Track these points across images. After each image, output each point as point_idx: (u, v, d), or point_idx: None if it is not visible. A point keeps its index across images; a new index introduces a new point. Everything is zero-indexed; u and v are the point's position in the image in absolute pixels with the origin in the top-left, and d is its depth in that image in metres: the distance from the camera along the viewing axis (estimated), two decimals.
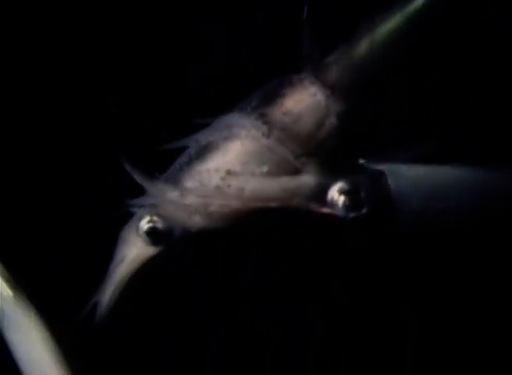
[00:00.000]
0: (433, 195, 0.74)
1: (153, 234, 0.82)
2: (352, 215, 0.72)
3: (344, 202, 0.71)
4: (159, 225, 0.80)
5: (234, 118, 0.71)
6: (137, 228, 0.83)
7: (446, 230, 0.75)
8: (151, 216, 0.81)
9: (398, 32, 0.78)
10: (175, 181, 0.77)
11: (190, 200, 0.75)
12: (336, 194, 0.71)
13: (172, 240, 0.82)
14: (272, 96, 0.72)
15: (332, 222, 0.72)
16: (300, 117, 0.71)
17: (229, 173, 0.72)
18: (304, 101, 0.71)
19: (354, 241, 0.78)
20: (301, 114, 0.71)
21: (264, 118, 0.70)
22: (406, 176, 0.73)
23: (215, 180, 0.73)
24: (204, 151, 0.75)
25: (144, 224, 0.82)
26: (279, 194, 0.69)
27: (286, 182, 0.69)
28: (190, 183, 0.76)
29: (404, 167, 0.74)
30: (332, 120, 0.72)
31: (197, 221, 0.78)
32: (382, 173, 0.72)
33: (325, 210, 0.71)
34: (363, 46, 0.76)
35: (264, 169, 0.70)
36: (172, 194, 0.77)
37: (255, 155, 0.70)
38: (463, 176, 0.77)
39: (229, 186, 0.71)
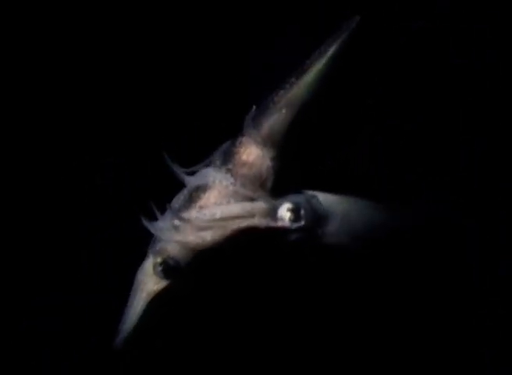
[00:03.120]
0: (353, 215, 1.03)
1: (165, 269, 1.04)
2: (295, 225, 1.01)
3: (289, 217, 1.01)
4: (169, 261, 1.04)
5: (211, 172, 1.03)
6: (151, 266, 1.05)
7: (365, 245, 1.04)
8: (162, 254, 1.04)
9: (321, 77, 1.01)
10: (174, 216, 1.03)
11: (188, 226, 1.02)
12: (283, 211, 1.01)
13: (180, 272, 1.04)
14: (231, 153, 1.03)
15: (281, 232, 1.02)
16: (251, 166, 1.02)
17: (207, 207, 1.02)
18: (251, 154, 1.02)
19: (296, 247, 1.04)
20: (252, 163, 1.02)
21: (230, 172, 1.02)
22: (334, 199, 1.02)
23: (199, 214, 1.02)
24: (195, 194, 1.04)
25: (157, 262, 1.04)
26: (243, 214, 1.00)
27: (247, 206, 1.01)
28: (186, 215, 1.02)
29: (333, 195, 1.03)
30: (267, 164, 1.02)
31: (194, 245, 1.02)
32: (314, 196, 1.02)
33: (276, 224, 1.01)
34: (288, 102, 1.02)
35: (234, 201, 1.02)
36: (173, 230, 1.02)
37: (226, 197, 1.02)
38: (377, 209, 1.04)
39: (205, 214, 1.01)
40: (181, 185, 1.07)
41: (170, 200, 1.06)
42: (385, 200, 1.05)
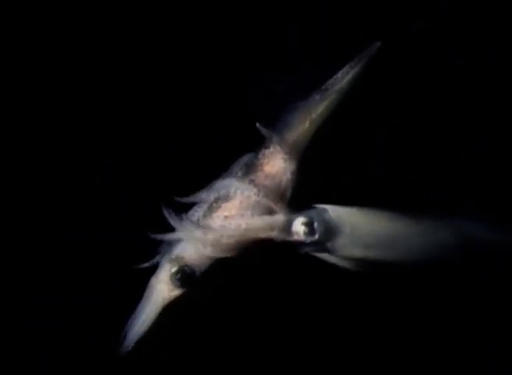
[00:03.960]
0: (363, 226, 1.04)
1: (182, 278, 1.05)
2: (309, 239, 1.03)
3: (304, 231, 1.03)
4: (186, 269, 1.05)
5: (234, 183, 1.05)
6: (167, 274, 1.06)
7: (376, 256, 1.05)
8: (179, 262, 1.06)
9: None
10: (197, 223, 1.05)
11: (209, 235, 1.03)
12: (298, 225, 1.03)
13: (196, 280, 1.07)
14: (254, 165, 1.07)
15: (296, 245, 1.05)
16: (274, 178, 1.06)
17: (232, 218, 1.04)
18: (275, 166, 1.07)
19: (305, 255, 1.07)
20: (274, 175, 1.06)
21: (253, 182, 1.05)
22: (343, 212, 1.04)
23: (224, 222, 1.04)
24: (216, 204, 1.06)
25: (174, 270, 1.06)
26: (263, 227, 1.03)
27: (266, 219, 1.03)
28: (208, 224, 1.05)
29: (342, 208, 1.05)
30: (288, 177, 1.07)
31: (212, 253, 1.05)
32: (325, 210, 1.04)
33: (292, 237, 1.03)
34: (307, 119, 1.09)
35: (255, 213, 1.05)
36: (196, 231, 1.04)
37: (248, 207, 1.05)
38: (390, 219, 1.06)
39: (230, 224, 1.03)
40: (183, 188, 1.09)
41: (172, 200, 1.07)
42: (398, 209, 1.07)
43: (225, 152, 1.14)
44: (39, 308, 1.21)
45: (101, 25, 1.25)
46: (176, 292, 1.06)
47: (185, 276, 1.05)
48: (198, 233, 1.03)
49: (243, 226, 1.02)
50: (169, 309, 1.06)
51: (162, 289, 1.06)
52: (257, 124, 1.06)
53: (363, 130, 1.25)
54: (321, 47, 1.24)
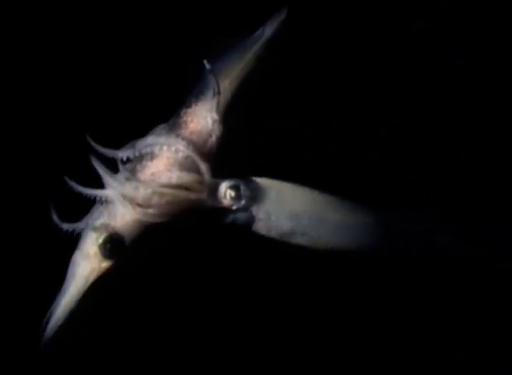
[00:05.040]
0: (288, 196, 1.04)
1: (112, 246, 0.97)
2: (236, 204, 1.02)
3: (230, 195, 1.01)
4: (115, 237, 0.97)
5: (161, 139, 1.01)
6: (92, 243, 0.97)
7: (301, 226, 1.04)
8: (106, 230, 0.98)
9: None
10: (128, 177, 0.99)
11: (140, 189, 0.98)
12: (225, 189, 1.01)
13: (125, 250, 0.98)
14: (178, 123, 1.04)
15: (222, 210, 1.03)
16: (199, 135, 1.03)
17: (159, 173, 1.00)
18: (199, 124, 1.03)
19: (234, 223, 1.04)
20: (200, 132, 1.03)
21: (180, 136, 1.01)
22: (268, 182, 1.04)
23: (152, 178, 1.00)
24: (142, 163, 1.01)
25: (103, 239, 0.97)
26: (191, 183, 1.00)
27: (195, 176, 1.00)
28: (138, 179, 1.00)
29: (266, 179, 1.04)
30: (213, 136, 1.04)
31: (141, 215, 0.98)
32: (250, 178, 1.03)
33: (219, 202, 1.01)
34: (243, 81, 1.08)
35: (180, 167, 1.00)
36: (127, 186, 0.98)
37: (176, 163, 1.00)
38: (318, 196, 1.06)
39: (160, 178, 0.99)
40: None
41: None
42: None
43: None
44: (39, 308, 1.21)
45: (101, 26, 1.26)
46: (105, 264, 0.97)
47: (115, 244, 0.96)
48: (129, 188, 0.97)
49: (173, 180, 0.98)
50: (98, 286, 0.97)
51: (90, 262, 0.97)
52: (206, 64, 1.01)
53: (363, 130, 1.26)
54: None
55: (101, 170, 0.98)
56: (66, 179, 0.98)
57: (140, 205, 0.98)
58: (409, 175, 1.25)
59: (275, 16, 1.12)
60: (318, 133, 1.24)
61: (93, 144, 0.99)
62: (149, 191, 0.98)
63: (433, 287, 1.16)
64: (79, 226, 0.99)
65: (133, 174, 0.99)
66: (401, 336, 1.19)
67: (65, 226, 0.98)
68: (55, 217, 0.99)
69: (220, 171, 1.03)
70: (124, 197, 0.98)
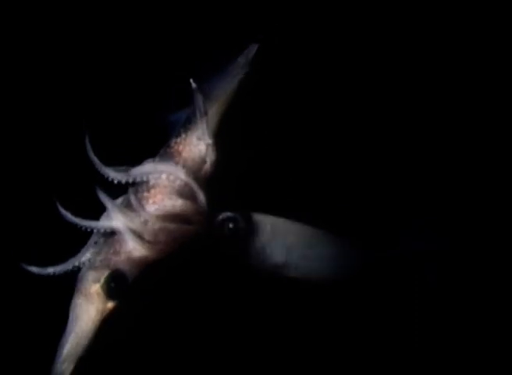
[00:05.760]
0: (281, 230, 1.05)
1: (116, 286, 0.91)
2: (232, 236, 1.00)
3: (228, 227, 0.99)
4: (117, 275, 0.91)
5: (158, 166, 0.96)
6: (94, 284, 0.91)
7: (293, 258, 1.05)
8: (108, 268, 0.91)
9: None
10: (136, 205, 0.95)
11: (144, 218, 0.94)
12: (221, 221, 1.00)
13: (129, 287, 0.93)
14: (169, 153, 1.00)
15: (219, 241, 1.01)
16: (193, 161, 1.00)
17: (161, 203, 0.96)
18: (191, 152, 1.00)
19: (230, 254, 1.04)
20: (193, 159, 1.00)
21: (177, 165, 0.97)
22: (263, 216, 1.04)
23: (152, 206, 0.96)
24: (139, 189, 0.97)
25: (105, 278, 0.91)
26: (190, 212, 0.97)
27: (193, 204, 0.97)
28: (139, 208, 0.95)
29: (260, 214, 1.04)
30: (207, 166, 1.01)
31: (145, 249, 0.93)
32: (246, 212, 1.02)
33: (215, 232, 1.00)
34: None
35: (180, 197, 0.97)
36: (136, 218, 0.94)
37: (174, 192, 0.96)
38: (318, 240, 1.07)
39: (164, 207, 0.95)
40: None
41: None
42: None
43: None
44: (39, 307, 1.21)
45: (101, 26, 1.26)
46: (110, 305, 0.91)
47: (119, 283, 0.90)
48: (137, 222, 0.92)
49: (177, 208, 0.94)
50: (104, 327, 0.91)
51: (93, 304, 0.90)
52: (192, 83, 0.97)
53: (362, 129, 1.26)
54: None
55: (107, 200, 0.92)
56: (61, 209, 0.93)
57: (148, 242, 0.93)
58: (409, 174, 1.25)
59: (251, 43, 1.10)
60: (309, 152, 1.25)
61: (93, 157, 0.97)
62: (156, 226, 0.93)
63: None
64: (70, 264, 0.93)
65: (141, 205, 0.94)
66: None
67: (58, 269, 0.94)
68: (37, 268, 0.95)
69: (215, 199, 1.01)
70: (133, 232, 0.92)
